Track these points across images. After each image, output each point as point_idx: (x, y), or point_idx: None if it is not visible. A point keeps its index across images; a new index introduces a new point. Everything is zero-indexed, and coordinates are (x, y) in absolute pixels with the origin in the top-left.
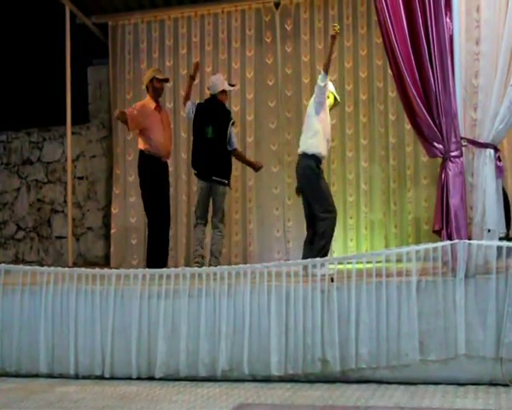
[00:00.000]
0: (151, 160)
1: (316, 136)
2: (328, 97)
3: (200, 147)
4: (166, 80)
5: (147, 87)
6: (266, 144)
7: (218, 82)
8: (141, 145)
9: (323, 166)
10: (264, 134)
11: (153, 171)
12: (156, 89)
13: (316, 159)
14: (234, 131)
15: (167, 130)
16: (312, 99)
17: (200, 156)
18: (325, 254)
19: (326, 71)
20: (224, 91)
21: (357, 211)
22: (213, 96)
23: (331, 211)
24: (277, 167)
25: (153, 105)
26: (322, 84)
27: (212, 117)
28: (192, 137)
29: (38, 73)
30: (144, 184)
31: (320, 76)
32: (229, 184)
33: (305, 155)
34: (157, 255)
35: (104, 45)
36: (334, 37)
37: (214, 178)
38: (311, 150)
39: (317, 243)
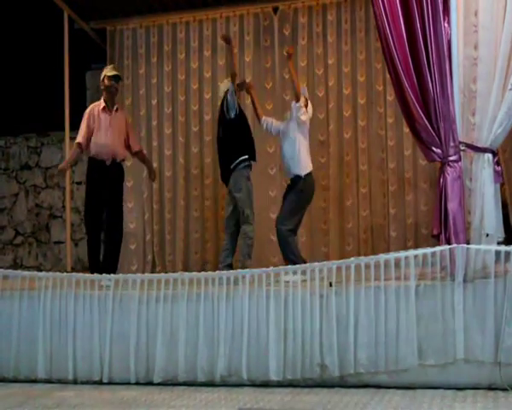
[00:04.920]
0: (93, 163)
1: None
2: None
3: None
4: (117, 77)
5: (101, 87)
6: (263, 147)
7: None
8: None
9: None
10: (262, 137)
11: (93, 174)
12: (107, 87)
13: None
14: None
15: (118, 132)
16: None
17: None
18: None
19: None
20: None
21: (355, 215)
22: None
23: None
24: (274, 170)
25: (102, 105)
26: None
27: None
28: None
29: (37, 78)
30: (86, 187)
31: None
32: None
33: None
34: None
35: (103, 50)
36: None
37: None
38: None
39: None
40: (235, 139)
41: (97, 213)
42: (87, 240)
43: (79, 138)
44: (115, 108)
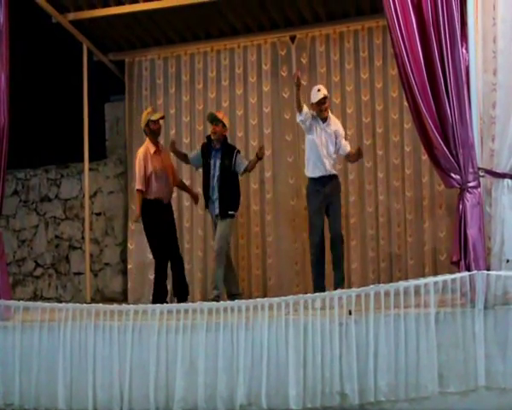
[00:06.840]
0: (152, 204)
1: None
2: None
3: None
4: (162, 117)
5: (145, 130)
6: (284, 178)
7: None
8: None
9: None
10: (282, 168)
11: (155, 214)
12: (153, 131)
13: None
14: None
15: (169, 170)
16: None
17: None
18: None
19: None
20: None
21: (376, 243)
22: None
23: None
24: (295, 200)
25: (152, 149)
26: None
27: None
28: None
29: (56, 110)
30: (149, 229)
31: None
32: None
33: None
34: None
35: (121, 82)
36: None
37: None
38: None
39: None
40: (237, 191)
41: (166, 248)
42: (159, 280)
43: (140, 186)
44: (161, 148)
